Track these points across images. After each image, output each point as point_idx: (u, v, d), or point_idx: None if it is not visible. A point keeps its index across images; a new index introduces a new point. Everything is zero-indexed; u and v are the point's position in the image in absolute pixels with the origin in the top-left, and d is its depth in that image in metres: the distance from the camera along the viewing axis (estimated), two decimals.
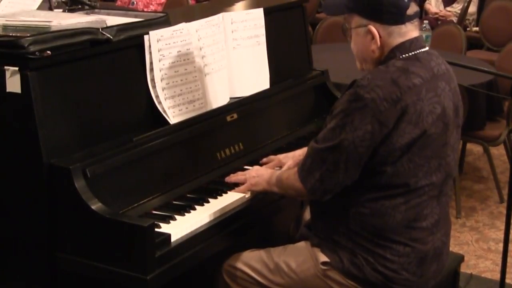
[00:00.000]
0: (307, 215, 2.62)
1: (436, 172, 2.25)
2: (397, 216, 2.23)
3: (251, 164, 2.75)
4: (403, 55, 2.23)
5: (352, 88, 2.19)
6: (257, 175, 2.50)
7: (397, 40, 2.23)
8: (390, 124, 2.14)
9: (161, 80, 2.52)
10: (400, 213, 2.23)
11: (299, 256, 2.38)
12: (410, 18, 2.24)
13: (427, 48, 2.29)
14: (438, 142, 2.23)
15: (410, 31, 2.25)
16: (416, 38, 2.26)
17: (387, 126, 2.14)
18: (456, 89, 2.33)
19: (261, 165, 2.71)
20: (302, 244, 2.42)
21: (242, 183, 2.52)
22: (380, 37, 2.23)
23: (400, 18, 2.22)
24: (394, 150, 2.16)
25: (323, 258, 2.32)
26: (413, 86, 2.17)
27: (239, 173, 2.57)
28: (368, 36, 2.24)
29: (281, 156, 2.73)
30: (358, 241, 2.26)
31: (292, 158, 2.69)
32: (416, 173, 2.20)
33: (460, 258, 2.92)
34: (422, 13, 8.05)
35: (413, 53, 2.24)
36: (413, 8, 2.24)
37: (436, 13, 7.72)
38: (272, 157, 2.76)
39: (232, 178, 2.55)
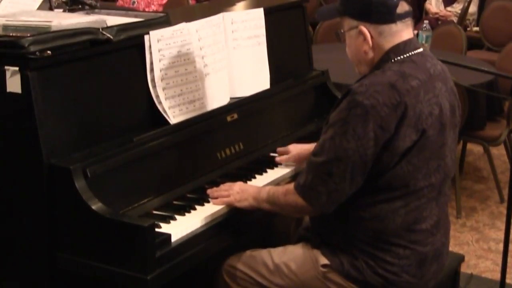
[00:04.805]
0: (307, 216, 2.61)
1: (435, 173, 2.24)
2: (397, 220, 2.22)
3: (252, 164, 2.76)
4: (398, 58, 2.22)
5: (349, 95, 2.17)
6: (241, 190, 2.42)
7: (390, 41, 2.22)
8: (392, 129, 2.13)
9: (162, 80, 2.52)
10: (400, 216, 2.22)
11: (299, 258, 2.37)
12: (401, 17, 2.22)
13: (421, 50, 2.27)
14: (436, 143, 2.22)
15: (402, 30, 2.23)
16: (410, 40, 2.25)
17: (389, 131, 2.12)
18: (453, 89, 2.32)
19: (278, 153, 2.80)
20: (302, 245, 2.41)
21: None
22: (371, 37, 2.22)
23: (390, 17, 2.21)
24: (396, 154, 2.14)
25: (323, 260, 2.31)
26: (411, 88, 2.16)
27: (222, 187, 2.46)
28: (360, 37, 2.23)
29: (291, 147, 2.81)
30: (358, 245, 2.26)
31: (294, 155, 2.77)
32: (415, 175, 2.19)
33: (461, 258, 2.92)
34: (423, 13, 8.05)
35: (407, 55, 2.23)
36: (403, 7, 2.22)
37: (436, 13, 7.72)
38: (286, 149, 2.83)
39: (215, 193, 2.44)
